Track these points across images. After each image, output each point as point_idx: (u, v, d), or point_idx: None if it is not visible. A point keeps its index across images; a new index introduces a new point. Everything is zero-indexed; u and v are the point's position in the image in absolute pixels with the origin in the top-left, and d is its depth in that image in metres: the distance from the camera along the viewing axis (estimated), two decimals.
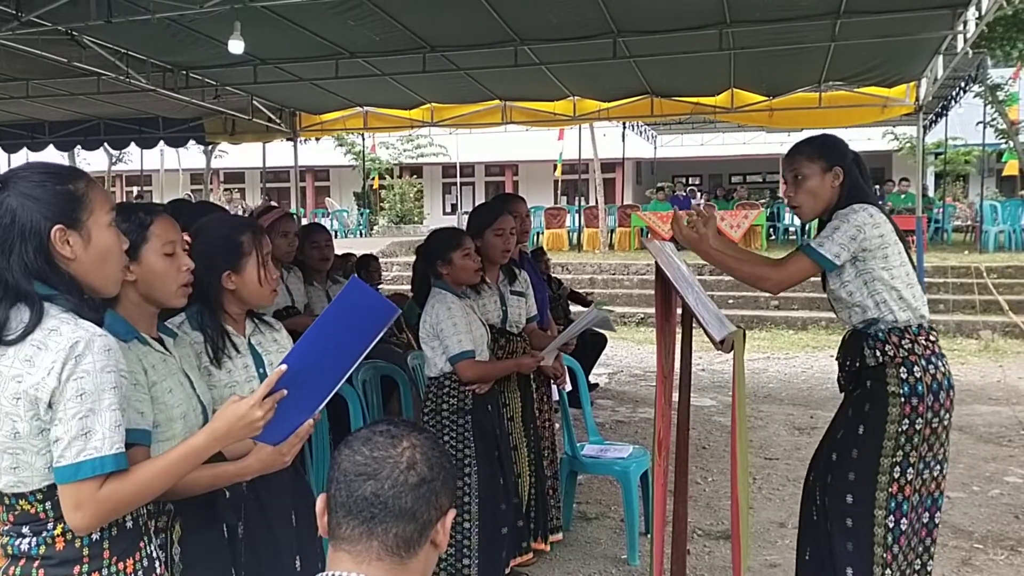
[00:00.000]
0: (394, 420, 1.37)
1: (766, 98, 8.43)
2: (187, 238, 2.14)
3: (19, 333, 1.55)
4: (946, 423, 2.91)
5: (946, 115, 14.75)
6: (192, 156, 23.29)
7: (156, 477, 1.65)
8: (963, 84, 12.67)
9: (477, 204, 4.44)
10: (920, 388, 2.84)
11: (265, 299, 2.35)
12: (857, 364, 2.95)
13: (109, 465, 1.56)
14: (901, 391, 2.84)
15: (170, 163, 25.42)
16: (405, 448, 1.30)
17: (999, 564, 4.10)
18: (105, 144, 11.83)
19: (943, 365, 2.92)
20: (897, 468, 2.85)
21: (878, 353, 2.89)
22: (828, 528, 2.99)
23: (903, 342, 2.88)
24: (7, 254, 1.58)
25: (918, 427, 2.84)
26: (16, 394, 1.55)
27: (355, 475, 1.29)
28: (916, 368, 2.86)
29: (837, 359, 3.10)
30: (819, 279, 3.08)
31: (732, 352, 2.38)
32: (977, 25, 6.00)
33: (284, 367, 1.72)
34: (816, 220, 3.10)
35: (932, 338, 2.94)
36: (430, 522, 1.29)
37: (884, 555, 2.86)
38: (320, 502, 1.33)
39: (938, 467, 2.93)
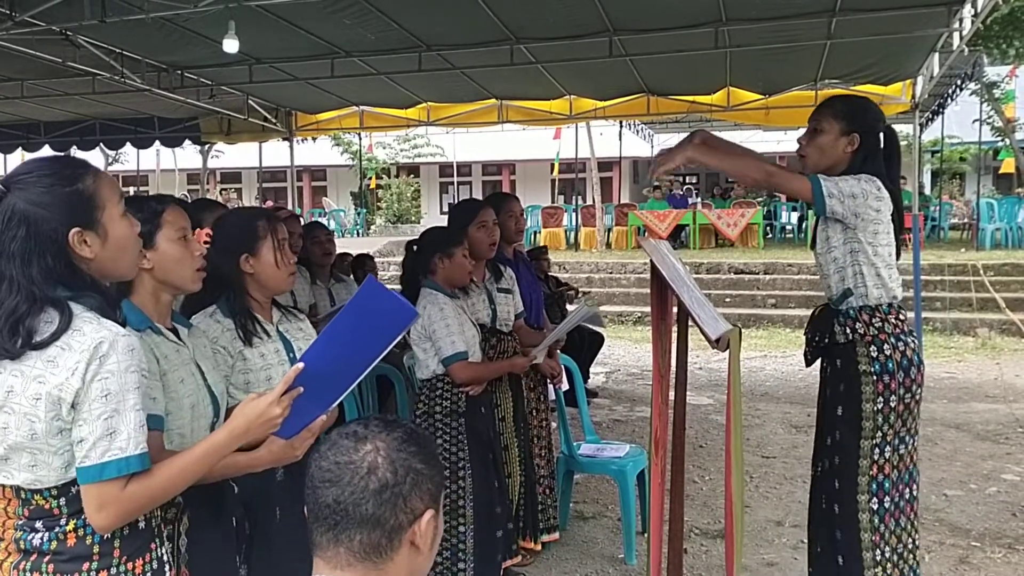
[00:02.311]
0: (367, 420, 1.33)
1: (762, 96, 8.41)
2: (209, 232, 2.29)
3: (47, 336, 1.55)
4: (918, 398, 2.92)
5: (942, 113, 14.79)
6: (188, 156, 23.30)
7: (178, 475, 1.66)
8: (959, 82, 12.71)
9: (455, 202, 4.45)
10: (891, 365, 2.85)
11: (283, 282, 2.44)
12: (827, 340, 2.97)
13: (135, 465, 1.57)
14: (872, 369, 2.86)
15: (166, 163, 25.37)
16: (367, 452, 1.27)
17: (996, 562, 4.10)
18: (101, 144, 11.80)
19: (912, 342, 2.93)
20: (876, 450, 2.87)
21: (848, 330, 2.91)
22: (824, 513, 3.00)
23: (873, 320, 2.89)
24: (28, 265, 1.57)
25: (892, 404, 2.86)
26: (36, 395, 1.54)
27: (320, 482, 1.27)
28: (886, 346, 2.87)
29: (806, 334, 3.11)
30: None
31: (728, 351, 2.37)
32: (973, 23, 5.99)
33: (301, 365, 1.77)
34: (813, 219, 3.11)
35: (902, 317, 2.94)
36: (399, 527, 1.25)
37: (872, 538, 2.87)
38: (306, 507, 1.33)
39: (911, 440, 2.94)
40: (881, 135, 2.98)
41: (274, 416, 1.74)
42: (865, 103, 3.08)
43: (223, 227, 2.41)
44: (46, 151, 10.73)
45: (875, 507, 2.87)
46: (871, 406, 2.85)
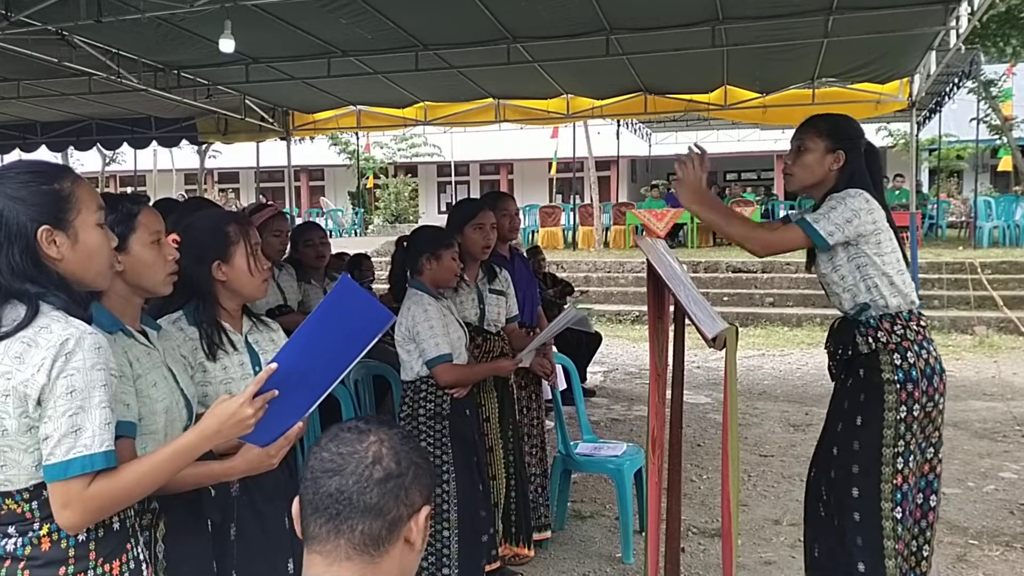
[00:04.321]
0: (366, 417, 1.34)
1: (760, 95, 8.41)
2: (176, 237, 2.15)
3: (12, 328, 1.55)
4: (940, 407, 2.92)
5: (940, 111, 14.79)
6: (186, 156, 23.25)
7: (146, 475, 1.64)
8: (956, 80, 12.70)
9: (453, 201, 4.43)
10: (914, 373, 2.85)
11: (257, 290, 2.36)
12: (850, 352, 2.95)
13: (99, 463, 1.56)
14: (896, 377, 2.84)
15: (164, 163, 25.31)
16: (371, 443, 1.28)
17: (994, 560, 4.10)
18: (98, 144, 11.79)
19: (934, 350, 2.93)
20: (900, 459, 2.85)
21: (870, 340, 2.89)
22: (836, 523, 2.98)
23: (895, 328, 2.88)
24: None
25: (915, 413, 2.84)
26: (4, 391, 1.54)
27: (321, 472, 1.27)
28: (909, 353, 2.86)
29: (827, 348, 3.09)
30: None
31: (724, 349, 2.37)
32: (969, 21, 6.00)
33: (274, 365, 1.71)
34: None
35: (922, 323, 2.94)
36: (399, 519, 1.26)
37: (895, 547, 2.86)
38: (295, 505, 1.31)
39: (931, 449, 2.94)
40: (863, 150, 3.00)
41: (246, 416, 1.69)
42: (848, 121, 3.09)
43: (193, 232, 2.29)
44: (43, 151, 10.73)
45: (899, 516, 2.86)
46: (894, 415, 2.83)
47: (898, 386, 2.84)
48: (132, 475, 1.62)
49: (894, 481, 2.85)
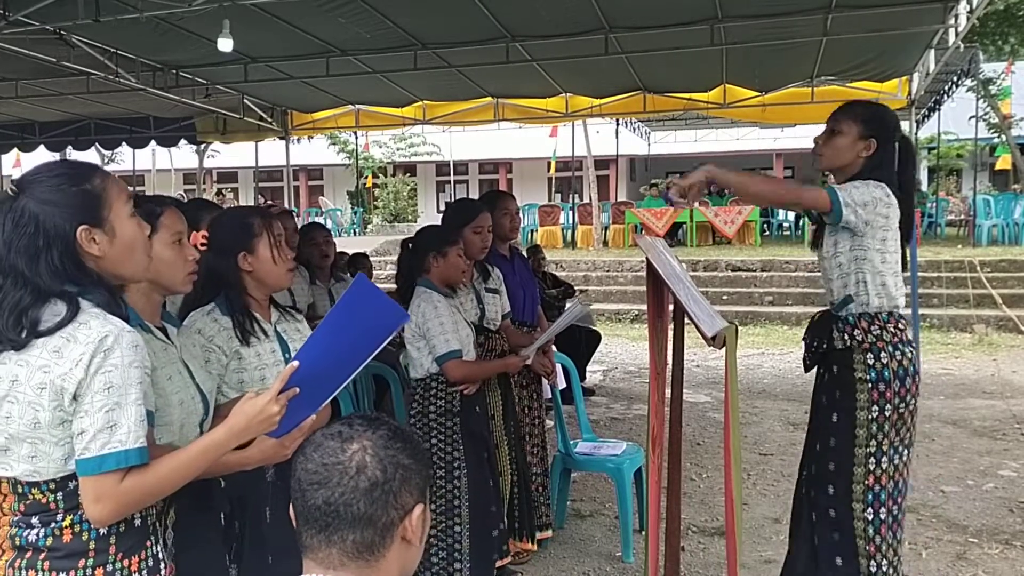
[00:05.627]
0: (351, 419, 1.32)
1: (759, 94, 8.40)
2: (205, 234, 2.31)
3: (53, 324, 1.58)
4: (912, 408, 2.93)
5: (939, 109, 14.81)
6: (184, 156, 23.25)
7: (176, 471, 1.67)
8: (955, 78, 12.72)
9: (452, 200, 4.44)
10: (887, 374, 2.87)
11: (282, 278, 2.48)
12: (824, 346, 2.99)
13: (133, 458, 1.59)
14: (868, 377, 2.88)
15: (162, 163, 25.30)
16: (355, 452, 1.26)
17: (993, 558, 4.10)
18: (96, 144, 11.78)
19: (910, 352, 2.95)
20: (872, 459, 2.88)
21: (846, 336, 2.93)
22: (813, 519, 3.02)
23: (872, 328, 2.91)
24: (35, 261, 1.61)
25: (887, 413, 2.87)
26: (41, 384, 1.57)
27: (307, 484, 1.26)
28: (883, 354, 2.89)
29: (804, 339, 3.13)
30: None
31: (724, 348, 2.37)
32: (968, 19, 6.00)
33: (296, 363, 1.77)
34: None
35: (901, 326, 2.96)
36: (391, 523, 1.26)
37: (867, 547, 2.90)
38: (292, 509, 1.32)
39: (905, 452, 2.96)
40: (896, 145, 3.01)
41: (272, 414, 1.74)
42: (885, 111, 3.12)
43: (219, 227, 2.44)
44: (41, 151, 10.72)
45: (870, 517, 2.88)
46: (865, 414, 2.87)
47: (870, 385, 2.87)
48: (163, 471, 1.65)
49: (866, 482, 2.88)
